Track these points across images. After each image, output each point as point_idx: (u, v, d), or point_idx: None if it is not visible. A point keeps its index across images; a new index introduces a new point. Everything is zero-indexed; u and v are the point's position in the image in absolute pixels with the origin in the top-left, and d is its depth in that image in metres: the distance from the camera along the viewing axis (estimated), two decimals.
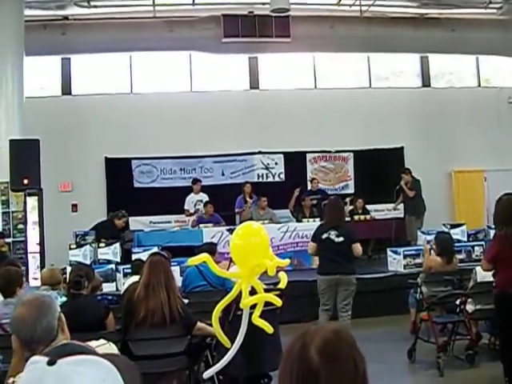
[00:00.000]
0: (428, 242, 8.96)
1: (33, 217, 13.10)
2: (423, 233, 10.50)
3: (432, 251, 7.74)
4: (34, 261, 12.53)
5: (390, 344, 7.26)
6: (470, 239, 10.53)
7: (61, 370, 1.33)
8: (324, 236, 7.04)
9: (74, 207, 13.04)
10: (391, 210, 12.76)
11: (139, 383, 1.82)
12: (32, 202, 13.09)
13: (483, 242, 9.91)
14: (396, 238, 11.60)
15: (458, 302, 6.72)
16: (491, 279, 5.53)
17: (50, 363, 1.34)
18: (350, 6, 12.82)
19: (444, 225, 10.79)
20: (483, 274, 6.31)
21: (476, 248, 9.80)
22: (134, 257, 9.07)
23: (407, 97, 14.38)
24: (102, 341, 2.79)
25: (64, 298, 5.27)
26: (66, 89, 13.52)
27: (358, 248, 7.02)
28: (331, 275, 6.95)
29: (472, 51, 14.21)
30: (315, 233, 7.32)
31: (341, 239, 6.95)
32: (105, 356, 1.58)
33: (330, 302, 7.05)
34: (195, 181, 12.59)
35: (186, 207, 12.29)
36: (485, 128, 14.29)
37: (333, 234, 6.97)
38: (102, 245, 9.96)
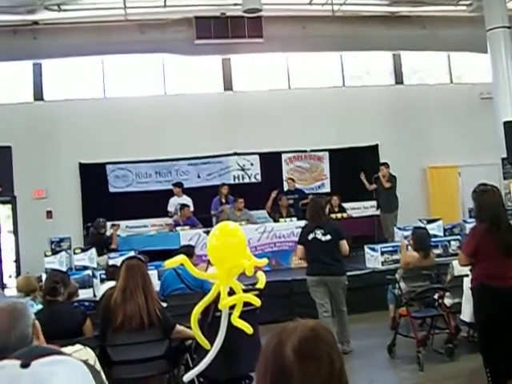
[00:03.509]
0: (405, 237, 9.01)
1: (7, 225, 12.95)
2: (400, 229, 10.57)
3: (409, 247, 7.79)
4: (9, 269, 12.38)
5: (370, 340, 7.28)
6: (447, 234, 10.63)
7: (35, 371, 1.30)
8: (310, 236, 6.92)
9: (49, 214, 12.87)
10: (368, 207, 12.85)
11: None
12: (6, 210, 12.94)
13: (459, 236, 10.01)
14: (374, 235, 11.69)
15: (436, 297, 6.77)
16: (468, 273, 5.57)
17: (24, 366, 1.30)
18: (322, 5, 12.85)
19: (420, 220, 10.87)
20: (460, 268, 6.35)
21: (452, 242, 9.89)
22: (110, 262, 9.00)
23: (381, 95, 14.49)
24: (78, 346, 2.75)
25: (40, 306, 5.19)
26: (38, 94, 13.35)
27: (345, 246, 6.92)
28: (320, 276, 6.87)
29: (443, 48, 14.38)
30: (301, 235, 7.17)
31: (328, 237, 6.84)
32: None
33: (326, 301, 6.89)
34: (175, 184, 12.53)
35: (168, 209, 12.24)
36: (458, 124, 14.46)
37: (319, 233, 6.86)
38: (77, 251, 9.85)
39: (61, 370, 1.32)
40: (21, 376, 1.30)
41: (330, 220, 7.36)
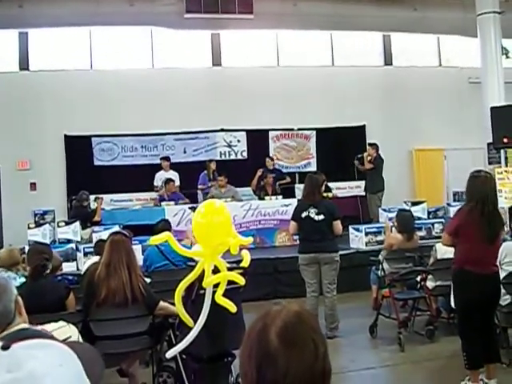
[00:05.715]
0: (389, 219, 9.05)
1: None
2: (385, 210, 10.61)
3: (393, 228, 7.82)
4: None
5: (351, 320, 7.33)
6: (431, 216, 10.70)
7: (14, 353, 1.28)
8: (304, 214, 6.87)
9: (33, 186, 12.76)
10: (353, 187, 12.89)
11: (101, 370, 1.76)
12: None
13: (443, 219, 10.08)
14: (359, 215, 11.75)
15: (418, 279, 6.83)
16: (451, 256, 5.61)
17: (4, 348, 1.28)
18: None
19: (405, 202, 10.94)
20: (443, 251, 6.42)
21: (436, 225, 9.95)
22: (94, 236, 8.97)
23: (369, 75, 14.44)
24: (61, 323, 2.74)
25: (23, 279, 5.14)
26: (24, 64, 13.13)
27: (338, 226, 6.89)
28: (312, 254, 6.84)
29: (433, 31, 14.34)
30: (294, 211, 7.16)
31: (321, 217, 6.79)
32: (66, 343, 1.52)
33: (315, 281, 6.89)
34: (163, 158, 12.49)
35: (154, 183, 12.21)
36: (445, 107, 14.49)
37: (312, 212, 6.82)
38: (61, 224, 9.78)
39: (42, 354, 1.30)
40: (0, 357, 1.28)
41: (324, 199, 7.28)
